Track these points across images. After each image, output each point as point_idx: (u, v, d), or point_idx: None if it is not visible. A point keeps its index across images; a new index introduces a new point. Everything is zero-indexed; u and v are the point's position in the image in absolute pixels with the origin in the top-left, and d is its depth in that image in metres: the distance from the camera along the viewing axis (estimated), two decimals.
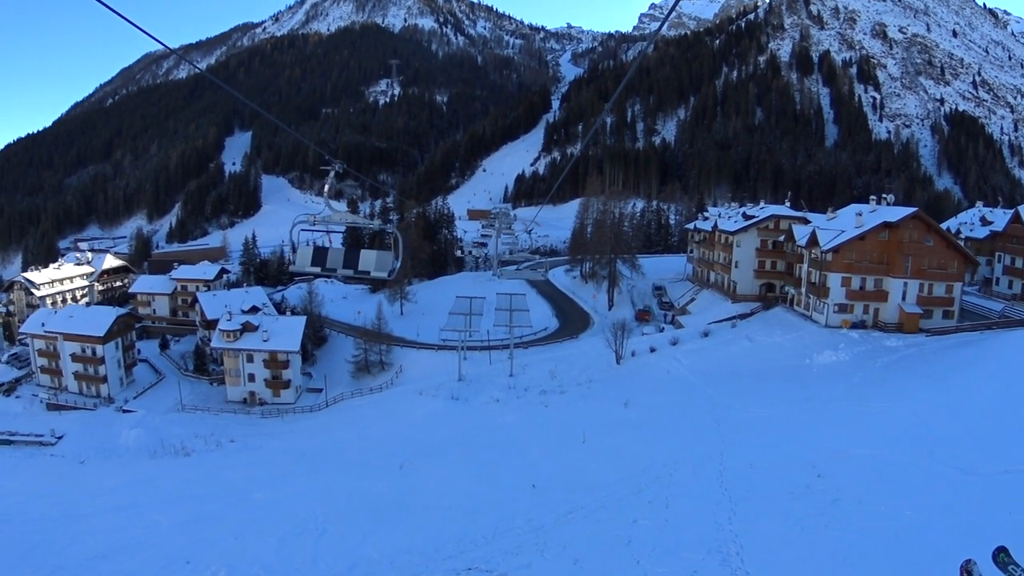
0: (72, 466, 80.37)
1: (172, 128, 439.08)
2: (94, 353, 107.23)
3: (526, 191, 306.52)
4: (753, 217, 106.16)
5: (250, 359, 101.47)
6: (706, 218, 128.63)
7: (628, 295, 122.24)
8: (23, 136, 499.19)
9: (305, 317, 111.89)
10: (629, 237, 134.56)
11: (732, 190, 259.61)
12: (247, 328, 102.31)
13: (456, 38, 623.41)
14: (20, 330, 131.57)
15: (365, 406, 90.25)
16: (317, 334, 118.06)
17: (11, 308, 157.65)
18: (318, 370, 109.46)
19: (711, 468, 46.44)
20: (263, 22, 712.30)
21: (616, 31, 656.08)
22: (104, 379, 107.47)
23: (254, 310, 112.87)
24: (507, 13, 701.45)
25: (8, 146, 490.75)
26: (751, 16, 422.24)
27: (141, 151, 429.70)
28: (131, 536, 51.40)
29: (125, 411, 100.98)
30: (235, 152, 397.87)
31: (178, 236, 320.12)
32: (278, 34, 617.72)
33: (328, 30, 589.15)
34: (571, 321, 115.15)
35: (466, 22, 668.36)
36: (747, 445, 51.37)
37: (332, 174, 24.91)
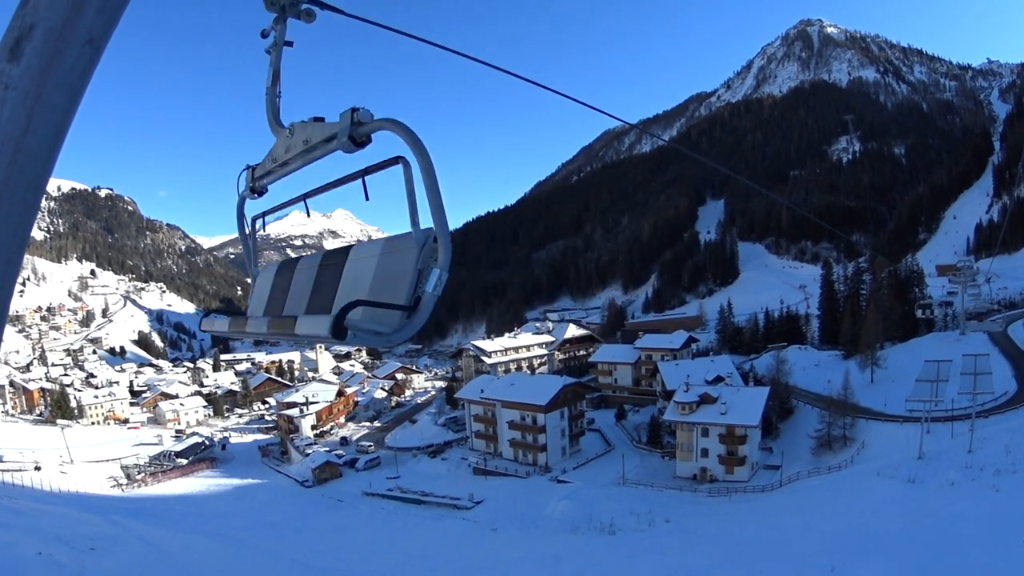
0: (481, 533, 78.23)
1: (641, 200, 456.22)
2: (534, 422, 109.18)
3: (984, 241, 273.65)
4: None
5: (705, 433, 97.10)
6: None
7: None
8: (483, 214, 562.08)
9: (768, 388, 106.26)
10: None
11: None
12: (704, 400, 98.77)
13: (899, 86, 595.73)
14: (457, 395, 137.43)
15: (819, 488, 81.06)
16: (783, 406, 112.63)
17: (458, 374, 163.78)
18: (780, 444, 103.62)
19: None
20: (716, 90, 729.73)
21: None
22: (543, 448, 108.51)
23: (718, 380, 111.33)
24: (936, 55, 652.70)
25: (468, 224, 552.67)
26: None
27: (611, 224, 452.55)
28: None
29: (560, 481, 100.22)
30: (708, 221, 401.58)
31: (654, 306, 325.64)
32: (732, 100, 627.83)
33: (780, 91, 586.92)
34: None
35: (903, 69, 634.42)
36: None
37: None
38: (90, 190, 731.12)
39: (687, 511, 79.86)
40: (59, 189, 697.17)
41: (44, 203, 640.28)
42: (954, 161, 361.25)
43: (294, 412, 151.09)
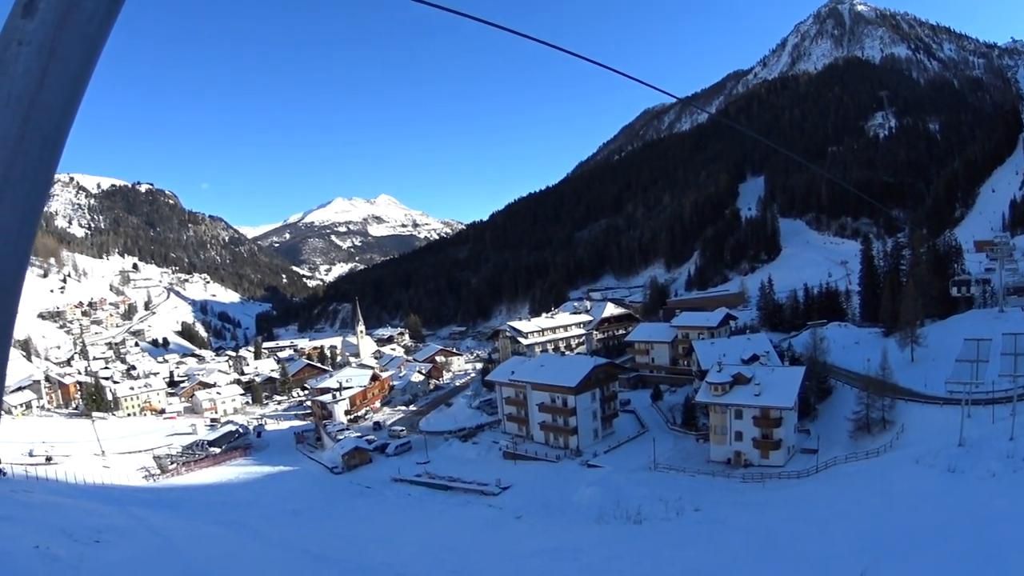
0: (505, 520, 76.42)
1: (682, 178, 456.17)
2: (565, 404, 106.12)
3: (1019, 217, 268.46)
4: None
5: (739, 415, 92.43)
6: None
7: None
8: (524, 196, 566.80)
9: (804, 368, 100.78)
10: None
11: None
12: (738, 380, 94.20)
13: (931, 63, 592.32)
14: (488, 377, 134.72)
15: (855, 475, 77.49)
16: (820, 386, 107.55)
17: (495, 356, 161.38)
18: (818, 427, 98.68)
19: None
20: (752, 68, 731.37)
21: None
22: (574, 431, 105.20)
23: (754, 359, 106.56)
24: (964, 33, 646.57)
25: (509, 205, 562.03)
26: None
27: (653, 202, 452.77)
28: None
29: (590, 466, 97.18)
30: (749, 198, 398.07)
31: (697, 284, 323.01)
32: (768, 78, 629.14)
33: (814, 68, 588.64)
34: None
35: (933, 46, 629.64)
36: None
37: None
38: (130, 186, 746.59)
39: (718, 499, 76.78)
40: (99, 186, 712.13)
41: (83, 200, 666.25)
42: (986, 137, 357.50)
43: (327, 398, 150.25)
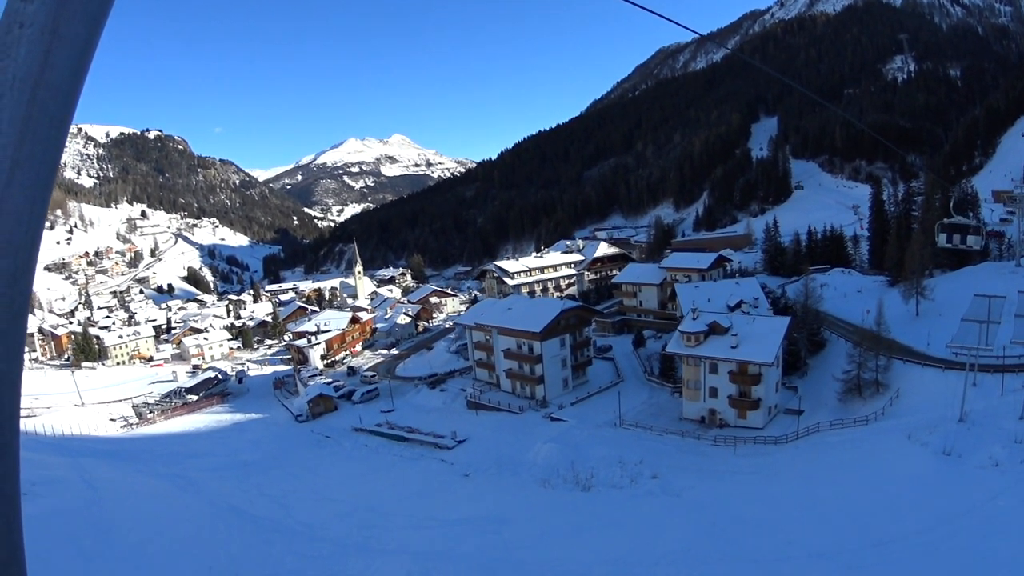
0: (451, 478, 73.38)
1: (693, 117, 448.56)
2: (530, 351, 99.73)
3: None
4: None
5: (713, 369, 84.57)
6: None
7: None
8: (533, 134, 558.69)
9: (789, 318, 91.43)
10: None
11: None
12: (714, 330, 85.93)
13: (954, 9, 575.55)
14: (455, 320, 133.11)
15: (838, 447, 69.54)
16: (813, 338, 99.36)
17: (480, 296, 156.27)
18: (808, 385, 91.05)
19: None
20: (769, 8, 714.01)
21: None
22: (540, 380, 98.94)
23: (740, 306, 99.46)
24: None
25: (518, 144, 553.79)
26: None
27: (663, 141, 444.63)
28: None
29: (554, 419, 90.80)
30: (761, 138, 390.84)
31: (705, 224, 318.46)
32: (785, 18, 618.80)
33: (833, 10, 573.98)
34: None
35: None
36: None
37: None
38: (139, 133, 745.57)
39: (682, 464, 70.73)
40: (107, 135, 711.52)
41: (92, 150, 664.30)
42: (1011, 86, 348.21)
43: (303, 342, 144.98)
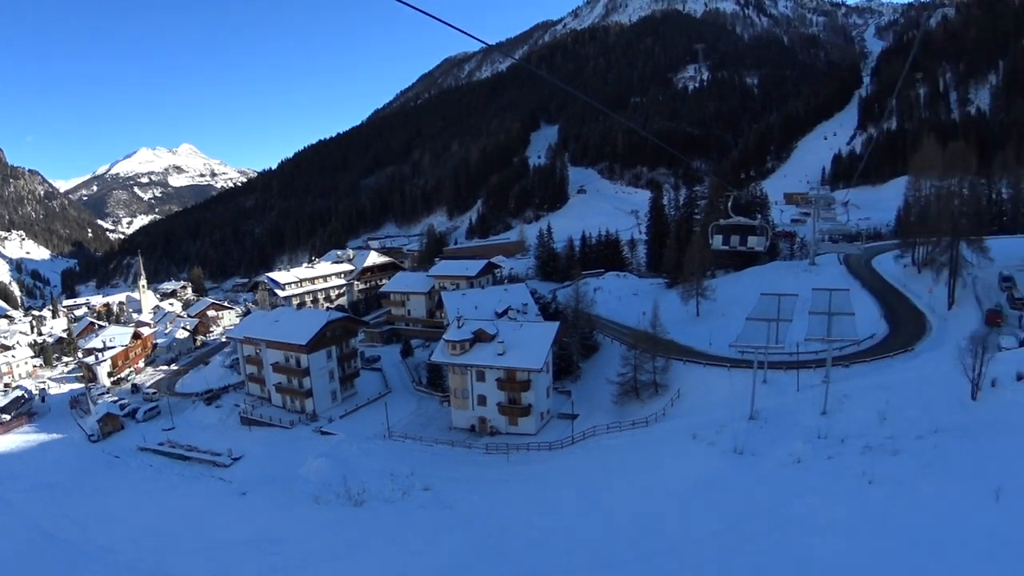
0: (229, 497, 72.59)
1: (474, 126, 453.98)
2: (298, 363, 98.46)
3: (843, 171, 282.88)
4: None
5: (481, 377, 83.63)
6: None
7: (972, 288, 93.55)
8: (314, 143, 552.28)
9: (558, 323, 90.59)
10: (981, 210, 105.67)
11: None
12: (480, 338, 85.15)
13: (759, 19, 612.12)
14: (227, 334, 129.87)
15: (618, 449, 68.29)
16: (585, 342, 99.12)
17: (252, 309, 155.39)
18: (581, 389, 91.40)
19: None
20: (562, 19, 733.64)
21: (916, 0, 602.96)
22: (308, 393, 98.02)
23: (508, 312, 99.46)
24: None
25: (298, 154, 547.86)
26: None
27: (441, 150, 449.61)
28: None
29: (324, 433, 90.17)
30: (540, 146, 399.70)
31: (479, 231, 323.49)
32: (578, 29, 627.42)
33: (629, 20, 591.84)
34: (903, 325, 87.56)
35: (767, 2, 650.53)
36: None
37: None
38: None
39: (454, 474, 69.85)
40: None
41: None
42: (814, 92, 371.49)
43: (91, 359, 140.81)
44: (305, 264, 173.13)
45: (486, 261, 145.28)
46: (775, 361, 72.76)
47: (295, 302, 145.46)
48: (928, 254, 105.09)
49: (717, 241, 31.06)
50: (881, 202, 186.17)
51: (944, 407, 55.70)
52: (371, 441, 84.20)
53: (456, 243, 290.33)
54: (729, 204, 36.60)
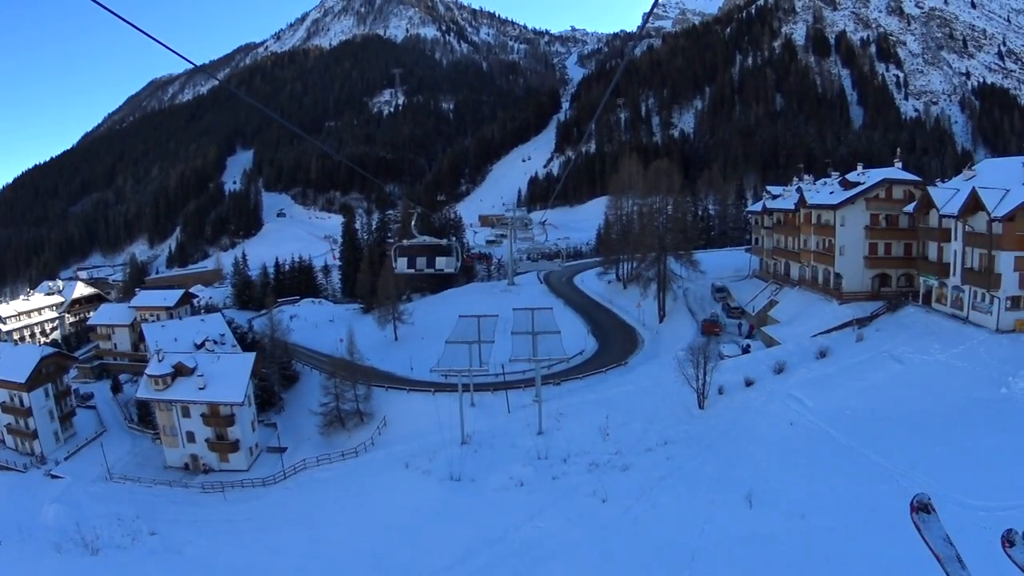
0: None
1: (173, 150, 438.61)
2: (21, 403, 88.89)
3: (541, 193, 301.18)
4: (858, 184, 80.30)
5: (186, 413, 79.30)
6: (775, 196, 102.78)
7: (683, 301, 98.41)
8: (30, 168, 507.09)
9: (253, 354, 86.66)
10: (687, 226, 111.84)
11: (760, 178, 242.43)
12: (180, 371, 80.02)
13: (460, 45, 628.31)
14: None
15: (331, 482, 67.30)
16: (284, 372, 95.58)
17: None
18: (286, 420, 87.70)
19: None
20: (264, 41, 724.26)
21: (621, 31, 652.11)
22: (34, 434, 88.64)
23: (205, 344, 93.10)
24: (510, 19, 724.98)
25: (16, 179, 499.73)
26: (760, 2, 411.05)
27: (142, 175, 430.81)
28: None
29: (53, 476, 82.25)
30: (236, 171, 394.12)
31: (178, 260, 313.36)
32: (280, 51, 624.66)
33: (330, 44, 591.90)
34: (613, 340, 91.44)
35: (469, 29, 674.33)
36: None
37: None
38: None
39: (177, 516, 66.19)
40: None
41: None
42: (511, 117, 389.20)
43: None
44: (22, 296, 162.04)
45: (184, 291, 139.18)
46: (481, 383, 72.11)
47: (16, 336, 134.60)
48: (634, 270, 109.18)
49: (402, 264, 28.83)
50: (580, 222, 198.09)
51: (671, 418, 58.76)
52: (95, 484, 77.99)
53: (157, 272, 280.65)
54: (413, 223, 32.93)
